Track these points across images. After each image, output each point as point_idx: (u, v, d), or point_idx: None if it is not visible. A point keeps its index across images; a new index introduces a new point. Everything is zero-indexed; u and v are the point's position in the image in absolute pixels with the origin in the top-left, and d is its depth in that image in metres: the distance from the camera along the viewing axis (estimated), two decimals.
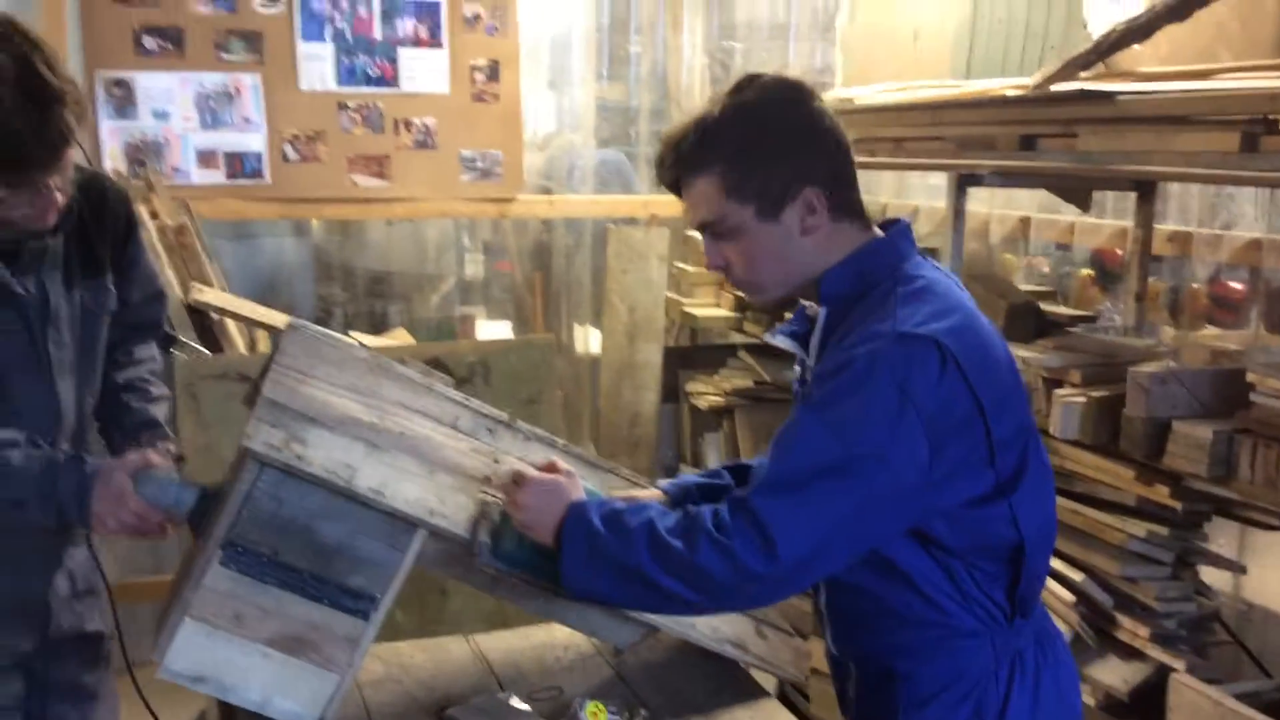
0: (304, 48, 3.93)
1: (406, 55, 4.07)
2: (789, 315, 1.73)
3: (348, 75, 4.01)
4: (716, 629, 1.89)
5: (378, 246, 4.44)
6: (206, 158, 3.88)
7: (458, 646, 2.03)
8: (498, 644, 2.02)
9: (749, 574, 1.44)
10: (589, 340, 4.63)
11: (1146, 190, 2.93)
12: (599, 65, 4.60)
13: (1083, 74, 2.59)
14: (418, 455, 1.70)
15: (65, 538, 1.99)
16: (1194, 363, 2.35)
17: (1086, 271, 3.27)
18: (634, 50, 4.62)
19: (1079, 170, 2.44)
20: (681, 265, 4.28)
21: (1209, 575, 2.42)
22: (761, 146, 1.53)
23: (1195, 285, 3.18)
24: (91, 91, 3.73)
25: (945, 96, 2.92)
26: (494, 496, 1.70)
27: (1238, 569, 2.53)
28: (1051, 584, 2.37)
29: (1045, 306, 2.90)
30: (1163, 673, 2.22)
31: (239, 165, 3.92)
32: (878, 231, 1.62)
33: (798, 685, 3.09)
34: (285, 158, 3.96)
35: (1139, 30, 2.46)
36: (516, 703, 1.75)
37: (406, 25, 4.06)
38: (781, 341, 1.70)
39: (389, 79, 4.06)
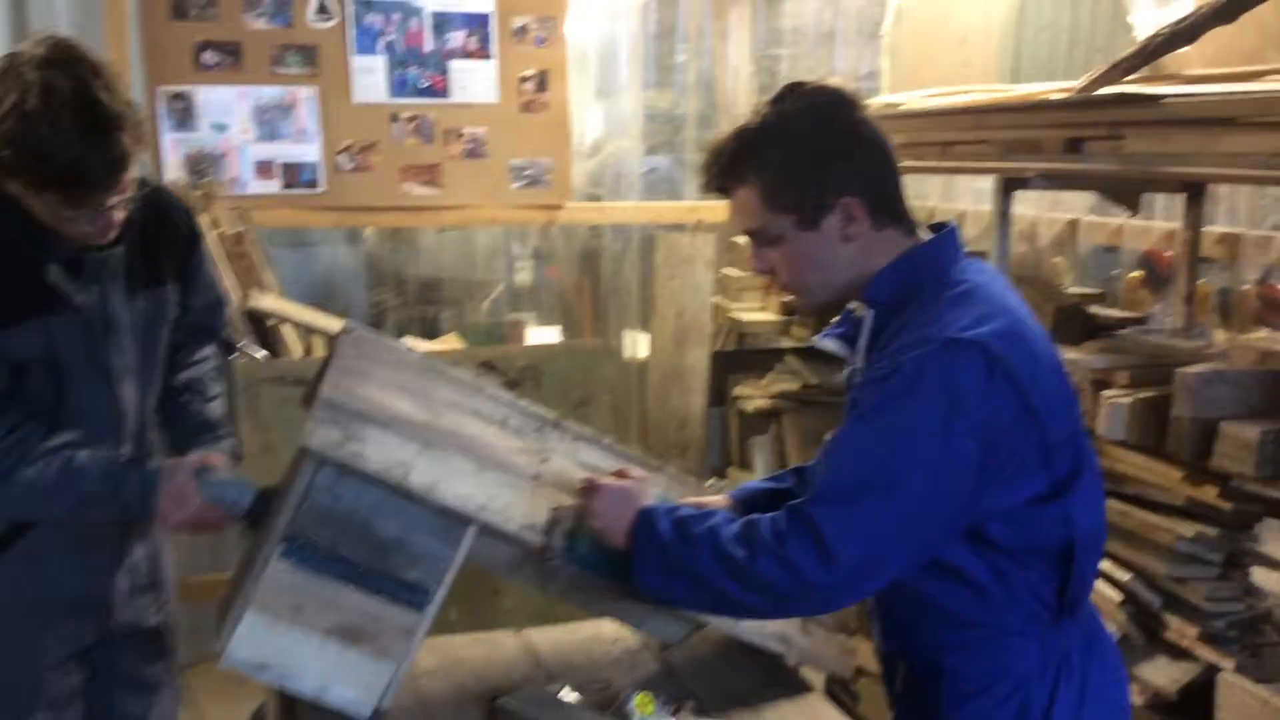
0: (357, 60, 4.03)
1: (457, 67, 4.15)
2: (836, 319, 1.76)
3: (400, 87, 4.09)
4: (762, 625, 1.91)
5: (429, 254, 4.52)
6: (264, 168, 3.98)
7: (508, 640, 2.07)
8: (547, 638, 2.07)
9: (808, 583, 1.47)
10: (637, 345, 4.68)
11: (1195, 192, 2.91)
12: (646, 73, 4.65)
13: (1129, 77, 2.58)
14: (469, 453, 1.75)
15: (126, 535, 2.06)
16: (1243, 364, 2.33)
17: (1135, 274, 3.25)
18: (680, 58, 4.66)
19: (1125, 173, 2.43)
20: (728, 270, 4.30)
21: (1260, 576, 2.40)
22: (800, 157, 1.56)
23: (1245, 287, 3.16)
24: (153, 105, 3.84)
25: (991, 100, 2.93)
26: (568, 503, 1.75)
27: None
28: (1099, 584, 2.37)
29: (1093, 309, 2.89)
30: (1211, 672, 2.21)
31: (295, 175, 4.01)
32: (925, 235, 1.63)
33: (844, 683, 3.10)
34: (339, 168, 4.06)
35: (1185, 33, 2.46)
36: (566, 693, 1.79)
37: (457, 37, 4.14)
38: (829, 345, 1.73)
39: (440, 90, 4.14)
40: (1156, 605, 2.31)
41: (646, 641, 2.03)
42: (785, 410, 3.73)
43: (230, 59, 3.90)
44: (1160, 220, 3.28)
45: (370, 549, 1.68)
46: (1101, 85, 2.55)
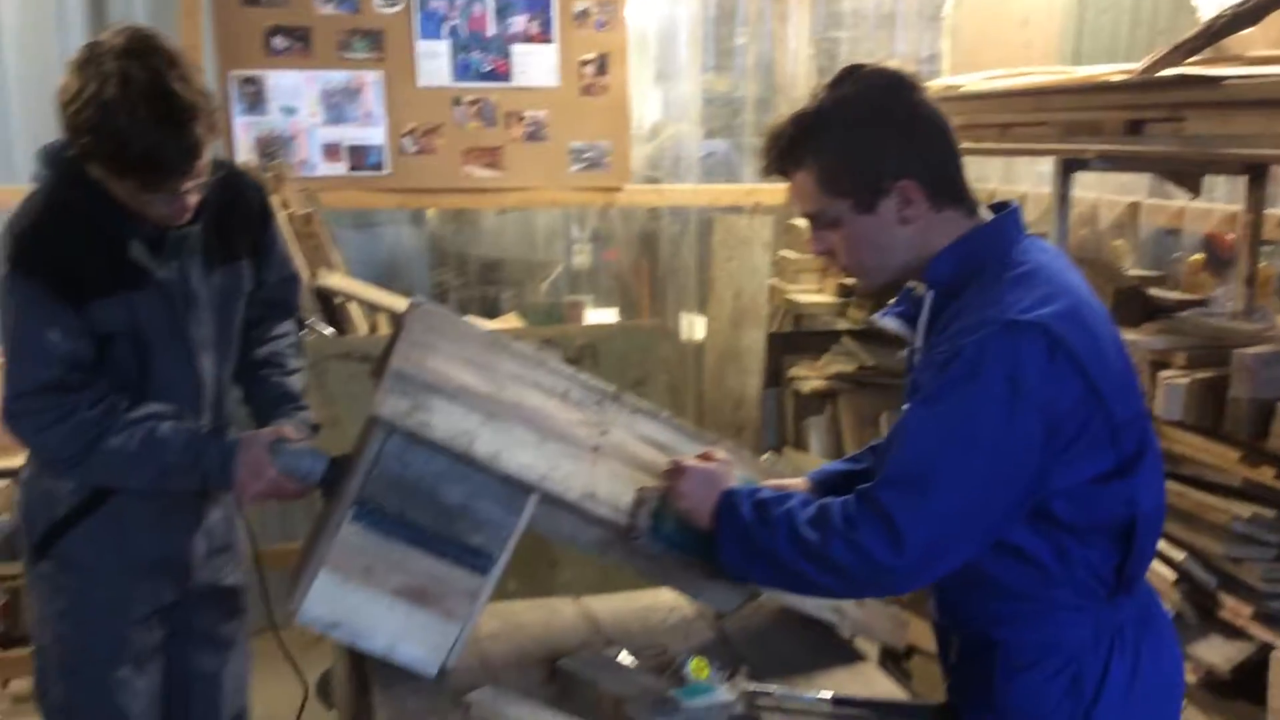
0: (422, 45, 4.10)
1: (519, 51, 4.21)
2: (895, 298, 1.77)
3: (463, 71, 4.16)
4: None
5: (490, 235, 4.59)
6: (331, 151, 4.08)
7: (567, 607, 2.13)
8: (605, 605, 2.13)
9: (878, 566, 1.50)
10: (694, 327, 4.71)
11: (1257, 174, 2.89)
12: (705, 57, 4.66)
13: (1191, 58, 2.57)
14: (531, 424, 1.80)
15: (204, 500, 2.15)
16: None
17: (1197, 256, 3.23)
18: (740, 41, 4.67)
19: (1185, 154, 2.43)
20: (785, 252, 4.33)
21: None
22: (856, 142, 1.56)
23: None
24: (225, 89, 3.94)
25: (1051, 82, 2.92)
26: (654, 485, 1.80)
27: None
28: (1155, 563, 2.37)
29: (1153, 291, 2.89)
30: (1265, 651, 2.21)
31: (361, 158, 4.10)
32: (986, 215, 1.64)
33: (898, 661, 3.14)
34: (404, 150, 4.14)
35: (1247, 14, 2.45)
36: (623, 657, 1.84)
37: (519, 22, 4.20)
38: (889, 323, 1.74)
39: (502, 74, 4.21)
40: (1212, 585, 2.31)
41: (702, 610, 2.08)
42: (841, 391, 3.75)
43: (299, 44, 3.99)
44: (1222, 203, 3.26)
45: (436, 514, 1.75)
46: (1163, 67, 2.54)
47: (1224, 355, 2.30)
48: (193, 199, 1.92)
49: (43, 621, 2.12)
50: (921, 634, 2.55)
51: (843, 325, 4.00)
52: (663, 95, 4.72)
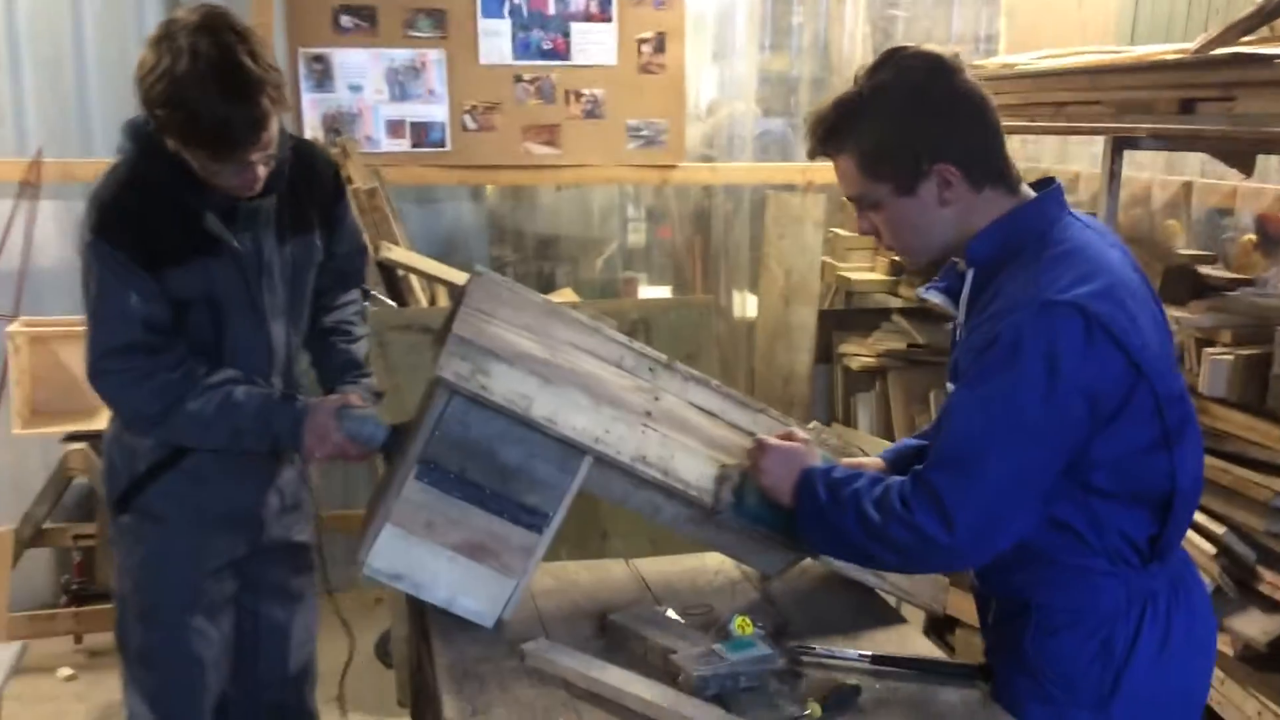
0: (484, 24, 4.19)
1: (578, 29, 4.28)
2: (939, 273, 1.82)
3: (523, 49, 4.24)
4: None
5: (547, 211, 4.66)
6: (395, 127, 4.19)
7: (618, 568, 2.22)
8: (653, 567, 2.21)
9: (932, 543, 1.57)
10: (746, 304, 4.77)
11: None
12: (762, 36, 4.69)
13: (1245, 38, 2.57)
14: (586, 389, 1.87)
15: (276, 459, 2.26)
16: None
17: (1249, 237, 3.23)
18: (796, 21, 4.69)
19: (1235, 133, 2.44)
20: (837, 230, 4.36)
21: None
22: (894, 127, 1.61)
23: None
24: (294, 66, 4.07)
25: (1104, 61, 2.93)
26: (736, 462, 1.89)
27: None
28: (1194, 536, 2.41)
29: (1204, 270, 2.89)
30: None
31: (423, 134, 4.21)
32: (1028, 193, 1.67)
33: (941, 634, 3.19)
34: (465, 127, 4.24)
35: None
36: (671, 614, 1.92)
37: (579, 1, 4.27)
38: (933, 296, 1.79)
39: (561, 52, 4.28)
40: (1252, 559, 2.34)
41: (747, 573, 2.15)
42: (890, 368, 3.79)
43: (366, 23, 4.10)
44: (1275, 184, 3.24)
45: (495, 474, 1.83)
46: (1217, 46, 2.54)
47: (1270, 333, 2.32)
48: (261, 170, 2.00)
49: (124, 571, 2.25)
50: (964, 608, 2.60)
51: (894, 303, 4.04)
52: (719, 74, 4.76)
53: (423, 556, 1.85)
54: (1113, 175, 2.66)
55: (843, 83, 4.01)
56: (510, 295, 2.00)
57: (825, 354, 4.11)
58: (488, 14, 4.19)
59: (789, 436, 1.85)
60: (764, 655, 1.75)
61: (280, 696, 2.41)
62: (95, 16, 3.99)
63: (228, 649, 2.31)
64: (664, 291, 4.72)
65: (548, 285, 4.52)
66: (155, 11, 4.00)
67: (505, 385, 1.80)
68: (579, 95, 4.30)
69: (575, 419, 1.83)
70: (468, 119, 4.23)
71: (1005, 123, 3.12)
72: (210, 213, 2.04)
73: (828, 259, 4.31)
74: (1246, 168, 2.93)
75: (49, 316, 3.83)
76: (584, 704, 1.66)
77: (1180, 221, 3.46)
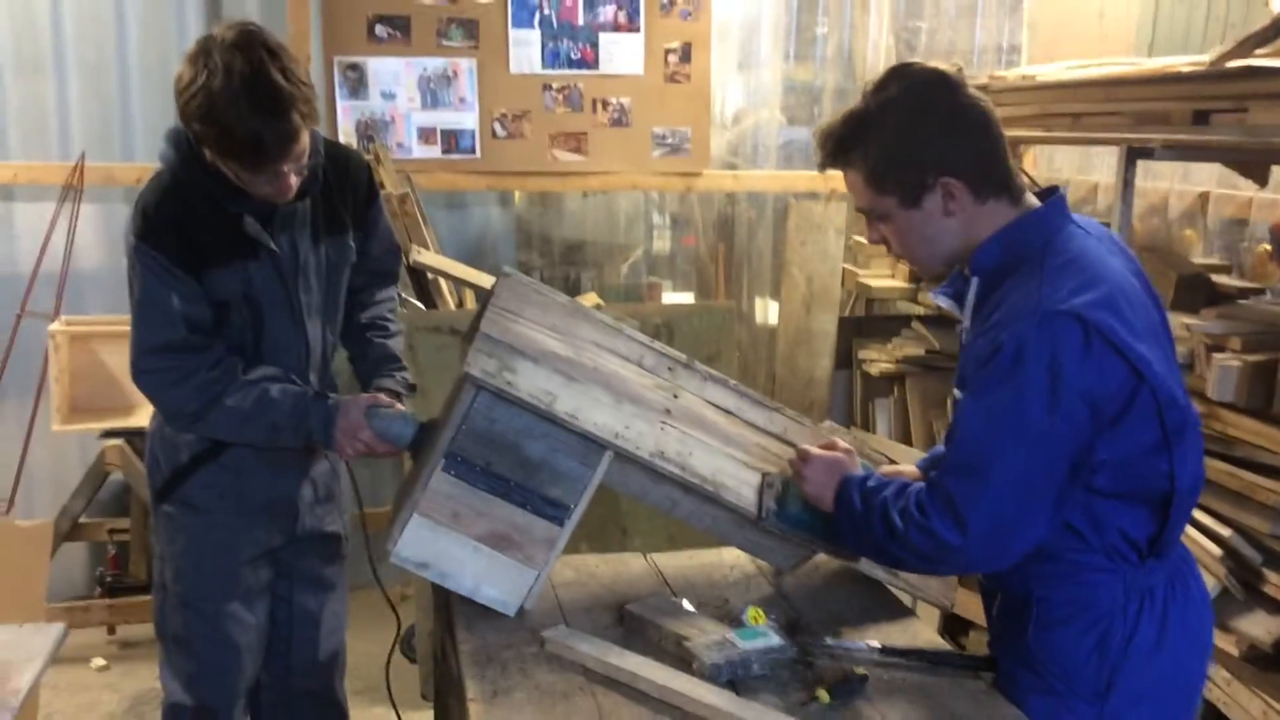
0: (515, 34, 4.29)
1: (606, 39, 4.37)
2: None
3: (552, 59, 4.33)
4: None
5: (573, 217, 4.74)
6: (426, 134, 4.29)
7: (636, 562, 2.28)
8: (671, 561, 2.27)
9: (947, 546, 1.63)
10: (768, 311, 4.82)
11: None
12: (787, 46, 4.75)
13: (1260, 50, 2.62)
14: (608, 387, 1.95)
15: (310, 453, 2.33)
16: None
17: (1264, 246, 3.26)
18: (821, 31, 4.75)
19: (1247, 144, 2.49)
20: (859, 238, 4.41)
21: None
22: (899, 143, 1.67)
23: None
24: (330, 74, 4.17)
25: (1121, 73, 2.99)
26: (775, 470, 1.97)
27: None
28: (1200, 538, 2.45)
29: (1217, 279, 2.94)
30: None
31: (454, 141, 4.30)
32: (1033, 202, 1.72)
33: (954, 635, 3.24)
34: (494, 135, 4.33)
35: None
36: (687, 605, 1.99)
37: (607, 11, 4.35)
38: (941, 301, 1.86)
39: (589, 62, 4.37)
40: (1258, 561, 2.38)
41: (762, 567, 2.21)
42: (909, 374, 3.84)
43: (400, 33, 4.20)
44: None
45: (519, 467, 1.90)
46: (1231, 59, 2.59)
47: (1278, 340, 2.36)
48: (294, 179, 2.08)
49: (164, 559, 2.33)
50: (975, 608, 2.65)
51: (913, 310, 4.08)
52: (744, 83, 4.83)
53: (449, 546, 1.92)
54: (1126, 184, 2.71)
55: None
56: (536, 296, 2.07)
57: (845, 359, 4.16)
58: (518, 24, 4.29)
59: (830, 446, 1.92)
60: (775, 645, 1.81)
61: (311, 683, 2.49)
62: (138, 23, 4.11)
63: (262, 636, 2.39)
64: (687, 298, 4.78)
65: (573, 290, 4.59)
66: (197, 19, 4.12)
67: (530, 382, 1.87)
68: (606, 104, 4.38)
69: (597, 415, 1.90)
70: (497, 126, 4.32)
71: (1024, 133, 3.20)
72: (249, 216, 2.12)
73: (849, 266, 4.36)
74: (1261, 179, 2.98)
75: (88, 316, 3.95)
76: (600, 688, 1.73)
77: (1197, 231, 3.50)
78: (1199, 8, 3.19)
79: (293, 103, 1.96)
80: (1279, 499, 2.35)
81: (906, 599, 2.22)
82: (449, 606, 2.02)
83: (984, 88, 3.44)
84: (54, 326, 3.78)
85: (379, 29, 4.18)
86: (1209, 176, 3.50)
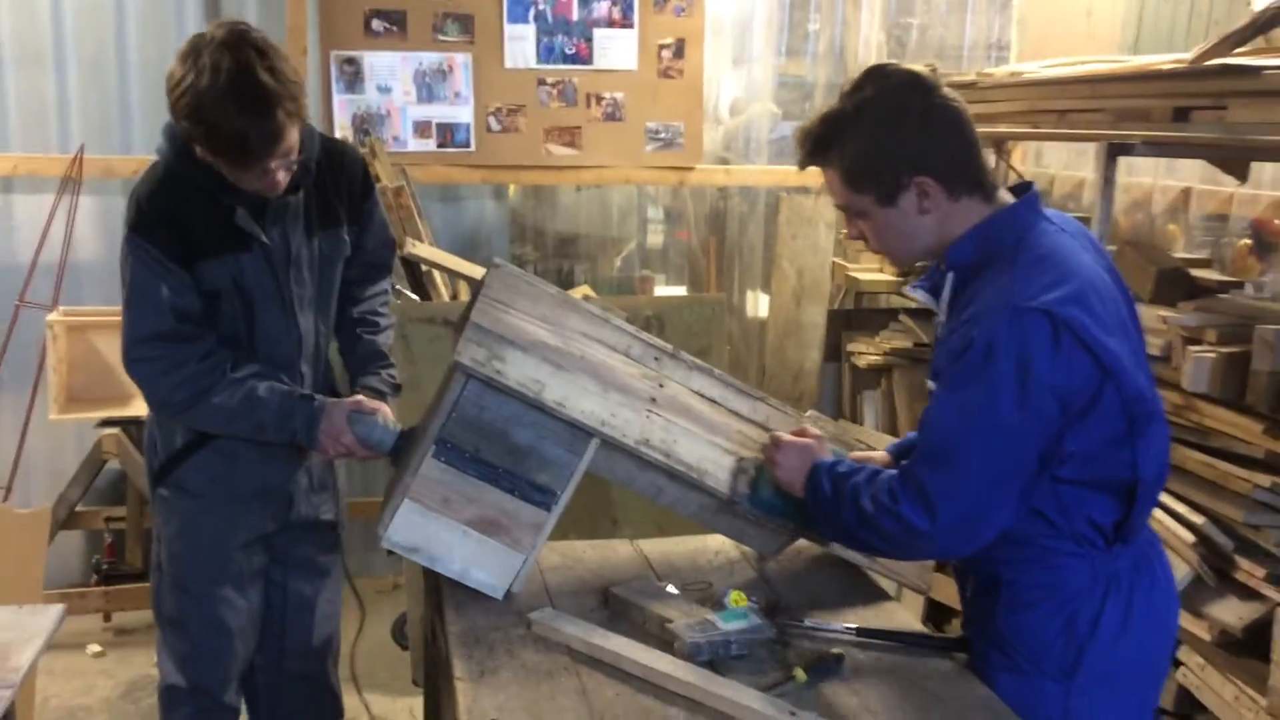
0: (510, 29, 4.32)
1: (600, 35, 4.40)
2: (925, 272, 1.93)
3: (547, 54, 4.37)
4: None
5: (567, 211, 4.77)
6: (422, 128, 4.33)
7: (623, 547, 2.33)
8: (656, 547, 2.32)
9: (916, 532, 1.68)
10: (759, 303, 4.87)
11: None
12: (779, 42, 4.79)
13: (1239, 49, 2.66)
14: (595, 376, 1.99)
15: (301, 449, 2.34)
16: None
17: (1244, 241, 3.31)
18: (813, 28, 4.79)
19: (1225, 141, 2.53)
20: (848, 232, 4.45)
21: None
22: (874, 143, 1.71)
23: None
24: (326, 68, 4.21)
25: (1104, 70, 3.03)
26: (752, 456, 2.02)
27: None
28: (1174, 526, 2.50)
29: (1197, 273, 2.98)
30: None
31: (449, 135, 4.34)
32: (1006, 199, 1.77)
33: (939, 625, 3.29)
34: (489, 129, 4.37)
35: None
36: (671, 589, 2.04)
37: (601, 7, 4.39)
38: (918, 294, 1.90)
39: (584, 57, 4.41)
40: (1230, 548, 2.43)
41: (745, 553, 2.26)
42: (896, 366, 3.89)
43: (396, 27, 4.24)
44: (1270, 190, 3.33)
45: (507, 453, 1.95)
46: (1211, 57, 2.63)
47: (1251, 332, 2.41)
48: (282, 176, 2.11)
49: (160, 541, 2.38)
50: (956, 595, 2.70)
51: (901, 303, 4.13)
52: (737, 79, 4.87)
53: (438, 531, 1.96)
54: (1107, 180, 2.76)
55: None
56: (527, 287, 2.11)
57: (834, 352, 4.21)
58: (513, 19, 4.32)
59: (802, 433, 1.97)
60: (755, 625, 1.86)
61: (304, 666, 2.54)
62: (138, 17, 4.15)
63: (256, 620, 2.44)
64: (680, 290, 4.82)
65: (566, 282, 4.63)
66: (196, 13, 4.15)
67: (519, 370, 1.92)
68: (600, 99, 4.42)
69: (584, 403, 1.95)
70: (492, 120, 4.36)
71: (1012, 129, 3.24)
72: (241, 209, 2.15)
73: (838, 260, 4.40)
74: (1241, 175, 3.02)
75: (86, 306, 3.99)
76: (585, 668, 1.78)
77: (1180, 226, 3.55)
78: (1183, 5, 3.24)
79: (279, 101, 1.99)
80: (1251, 487, 2.40)
81: (890, 586, 2.27)
82: (439, 590, 2.07)
83: (972, 85, 3.51)
84: (52, 317, 3.82)
85: (375, 23, 4.22)
86: (1192, 172, 3.55)
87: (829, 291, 4.46)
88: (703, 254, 4.85)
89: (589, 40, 4.40)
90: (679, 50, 4.47)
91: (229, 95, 1.95)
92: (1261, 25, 2.62)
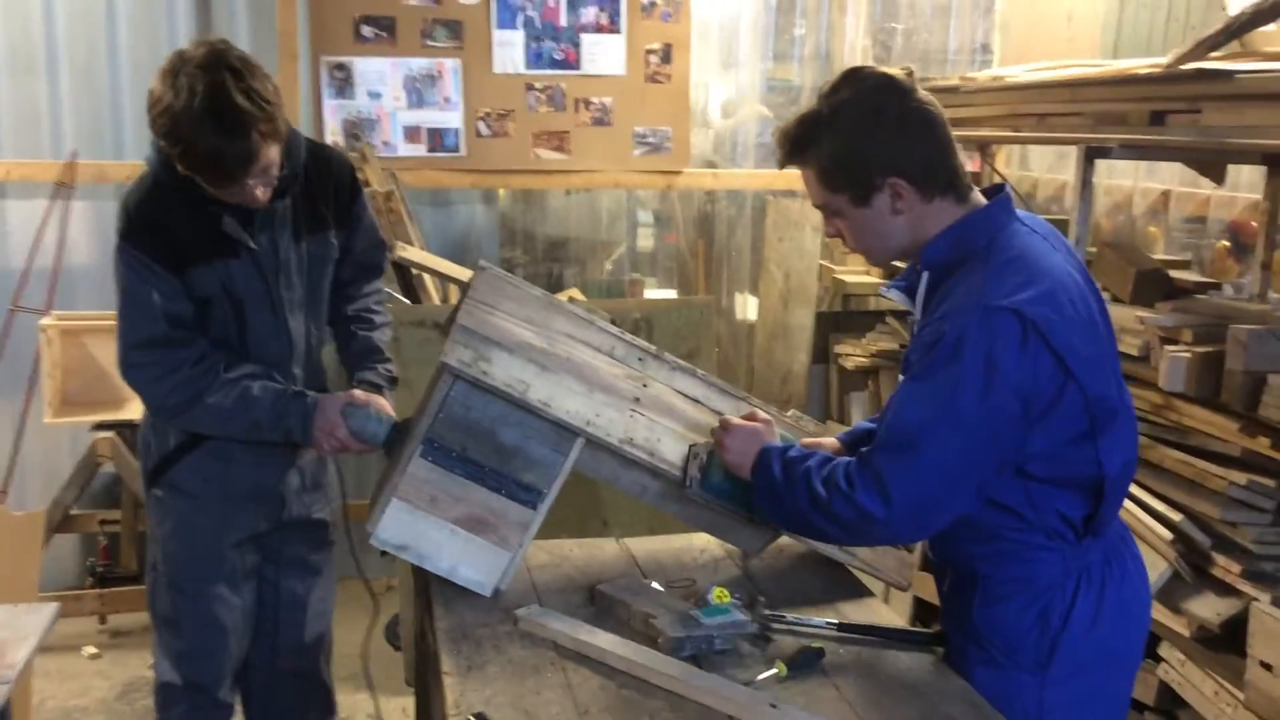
0: (498, 34, 4.36)
1: (588, 40, 4.45)
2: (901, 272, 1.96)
3: (535, 59, 4.41)
4: None
5: (556, 215, 4.81)
6: (412, 133, 4.36)
7: (609, 546, 2.36)
8: (643, 546, 2.35)
9: (870, 518, 1.71)
10: (747, 306, 4.91)
11: (1277, 164, 3.01)
12: (766, 47, 4.83)
13: (1214, 53, 2.71)
14: (579, 376, 2.02)
15: (295, 446, 2.39)
16: None
17: (1223, 243, 3.36)
18: (799, 32, 4.83)
19: (1200, 144, 2.58)
20: None
21: None
22: (849, 145, 1.74)
23: None
24: (317, 74, 4.24)
25: (1083, 75, 3.08)
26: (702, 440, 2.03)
27: None
28: (1152, 523, 2.54)
29: (1176, 274, 3.03)
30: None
31: (439, 140, 4.38)
32: (979, 200, 1.80)
33: (926, 623, 3.32)
34: (479, 133, 4.40)
35: (1267, 11, 2.58)
36: (656, 586, 2.07)
37: (589, 13, 4.43)
38: (894, 295, 1.94)
39: (572, 62, 4.45)
40: (1207, 545, 2.47)
41: (730, 551, 2.30)
42: (882, 368, 3.93)
43: (385, 33, 4.27)
44: (1247, 193, 3.38)
45: (494, 453, 1.98)
46: (1187, 61, 2.68)
47: (1226, 332, 2.45)
48: (261, 191, 2.14)
49: (154, 541, 2.41)
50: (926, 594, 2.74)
51: (888, 305, 4.17)
52: (724, 83, 4.91)
53: (426, 529, 1.99)
54: (1085, 183, 2.80)
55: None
56: (512, 289, 2.14)
57: (822, 354, 4.24)
58: (502, 25, 4.36)
59: (751, 417, 2.00)
60: (737, 621, 1.90)
61: (297, 663, 2.57)
62: (130, 22, 4.17)
63: (249, 617, 2.47)
64: (669, 293, 4.85)
65: (556, 286, 4.66)
66: (187, 19, 4.18)
67: (505, 371, 1.95)
68: (588, 103, 4.46)
69: (569, 403, 1.98)
70: (481, 125, 4.40)
71: (994, 133, 3.28)
72: (228, 216, 2.19)
73: (825, 263, 4.45)
74: (1218, 178, 3.07)
75: (80, 311, 4.01)
76: (570, 663, 1.81)
77: (1160, 228, 3.60)
78: (1161, 10, 3.28)
79: (254, 123, 2.02)
80: (1228, 485, 2.44)
81: (878, 588, 2.30)
82: (428, 588, 2.09)
83: (955, 89, 3.55)
84: (46, 321, 3.85)
85: (365, 29, 4.26)
86: (1171, 175, 3.60)
87: (816, 294, 4.50)
88: (691, 257, 4.89)
89: (577, 46, 4.44)
90: (666, 55, 4.51)
91: (205, 116, 1.98)
92: (1235, 30, 2.66)
